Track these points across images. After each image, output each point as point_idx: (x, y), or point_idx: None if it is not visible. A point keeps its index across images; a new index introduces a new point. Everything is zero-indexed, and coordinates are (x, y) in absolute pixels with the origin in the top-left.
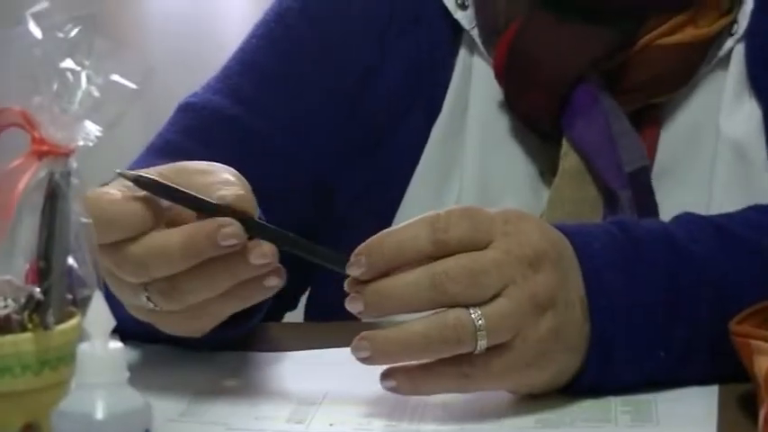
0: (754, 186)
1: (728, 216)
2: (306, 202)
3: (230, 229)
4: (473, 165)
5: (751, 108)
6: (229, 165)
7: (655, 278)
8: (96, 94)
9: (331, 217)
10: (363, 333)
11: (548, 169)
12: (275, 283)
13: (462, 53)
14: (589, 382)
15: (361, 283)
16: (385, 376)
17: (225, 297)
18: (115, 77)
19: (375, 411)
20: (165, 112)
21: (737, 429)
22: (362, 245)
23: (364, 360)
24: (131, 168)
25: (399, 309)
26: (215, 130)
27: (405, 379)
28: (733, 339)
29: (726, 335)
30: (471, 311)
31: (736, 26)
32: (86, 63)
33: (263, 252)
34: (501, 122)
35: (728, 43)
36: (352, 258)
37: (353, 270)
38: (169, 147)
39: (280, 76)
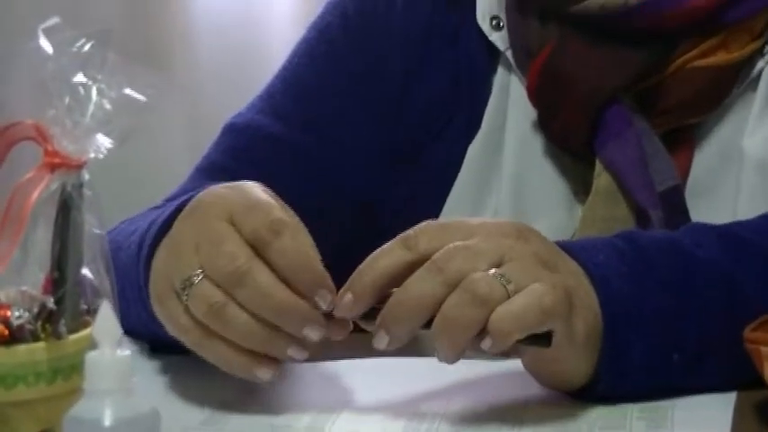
0: None
1: (736, 223)
2: (350, 217)
3: (316, 330)
4: (509, 182)
5: None
6: (274, 182)
7: (662, 283)
8: (108, 107)
9: (374, 230)
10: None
11: (581, 188)
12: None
13: (500, 72)
14: (604, 388)
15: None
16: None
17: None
18: (127, 91)
19: (394, 420)
20: (212, 128)
21: None
22: (344, 286)
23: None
24: (181, 189)
25: (417, 310)
26: (259, 150)
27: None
28: (746, 346)
29: (739, 340)
30: (486, 271)
31: (767, 47)
32: (99, 77)
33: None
34: (537, 142)
35: (759, 64)
36: (338, 300)
37: (343, 309)
38: (215, 168)
39: (321, 92)
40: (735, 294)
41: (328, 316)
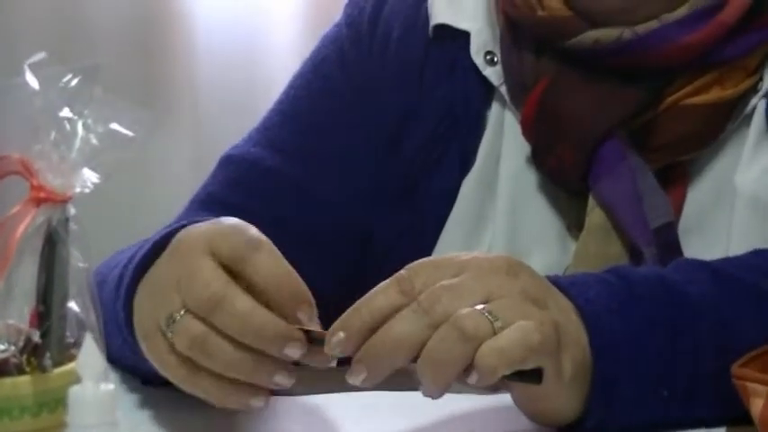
0: None
1: (726, 260)
2: (346, 249)
3: (297, 348)
4: (503, 217)
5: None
6: (269, 213)
7: (653, 319)
8: (95, 142)
9: (370, 262)
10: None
11: (575, 224)
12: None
13: (495, 107)
14: (593, 423)
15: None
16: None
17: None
18: (114, 126)
19: None
20: (212, 158)
21: None
22: (336, 322)
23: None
24: (177, 220)
25: (399, 350)
26: (256, 182)
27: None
28: (734, 382)
29: (729, 376)
30: (473, 308)
31: (761, 84)
32: (85, 112)
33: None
34: (531, 177)
35: (753, 101)
36: (329, 337)
37: (334, 346)
38: (211, 199)
39: (318, 125)
40: (725, 331)
41: (310, 342)
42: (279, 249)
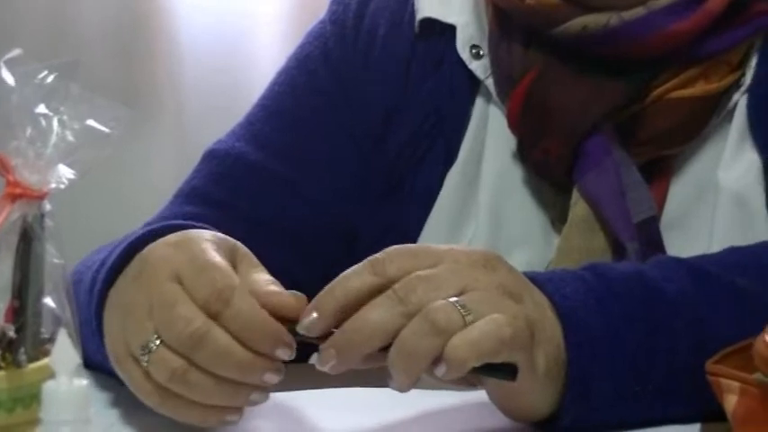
0: (755, 236)
1: (703, 257)
2: (330, 244)
3: (275, 375)
4: (486, 212)
5: (751, 157)
6: (254, 209)
7: (629, 316)
8: (71, 138)
9: (354, 257)
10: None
11: (559, 219)
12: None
13: (479, 101)
14: (569, 419)
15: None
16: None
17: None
18: (90, 123)
19: None
20: (195, 158)
21: None
22: (309, 304)
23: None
24: (161, 215)
25: (372, 337)
26: (239, 176)
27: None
28: (708, 378)
29: (704, 372)
30: (447, 300)
31: (743, 79)
32: (61, 109)
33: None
34: (515, 171)
35: (735, 96)
36: (302, 317)
37: (306, 323)
38: (195, 193)
39: (302, 121)
40: (700, 328)
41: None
42: (261, 244)
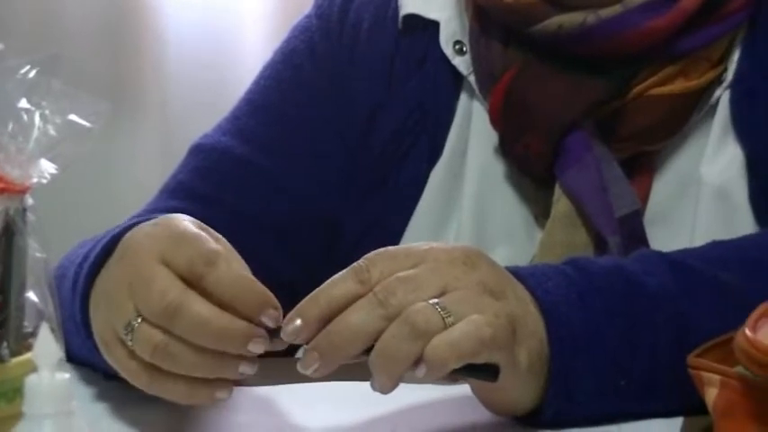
0: (738, 229)
1: (684, 251)
2: (315, 238)
3: (260, 343)
4: (470, 207)
5: (734, 151)
6: (239, 203)
7: (611, 310)
8: (53, 133)
9: (339, 251)
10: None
11: (542, 214)
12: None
13: (463, 97)
14: (551, 413)
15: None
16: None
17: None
18: (72, 117)
19: None
20: (181, 154)
21: None
22: (293, 310)
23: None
24: (147, 209)
25: (353, 340)
26: (224, 171)
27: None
28: (689, 372)
29: (686, 366)
30: (426, 302)
31: (725, 75)
32: (43, 103)
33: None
34: (498, 167)
35: (717, 92)
36: (285, 324)
37: (290, 330)
38: (180, 187)
39: (287, 116)
40: (682, 322)
41: (271, 332)
42: (246, 239)
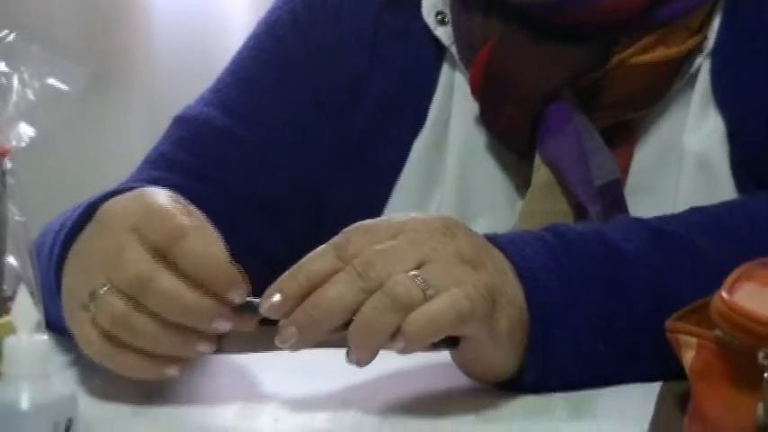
0: (719, 198)
1: (663, 218)
2: (297, 211)
3: (225, 321)
4: (452, 178)
5: (714, 121)
6: (220, 174)
7: (589, 275)
8: (31, 97)
9: (322, 224)
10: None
11: (524, 185)
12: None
13: (445, 68)
14: (532, 378)
15: None
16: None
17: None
18: (51, 81)
19: (320, 407)
20: (168, 119)
21: (672, 424)
22: (271, 286)
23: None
24: (130, 179)
25: (332, 314)
26: (206, 142)
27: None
28: (668, 337)
29: (664, 331)
30: (407, 274)
31: (705, 43)
32: (21, 68)
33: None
34: (480, 138)
35: (698, 60)
36: (263, 300)
37: (269, 305)
38: (162, 159)
39: (269, 87)
40: (661, 287)
41: (238, 309)
42: (228, 210)
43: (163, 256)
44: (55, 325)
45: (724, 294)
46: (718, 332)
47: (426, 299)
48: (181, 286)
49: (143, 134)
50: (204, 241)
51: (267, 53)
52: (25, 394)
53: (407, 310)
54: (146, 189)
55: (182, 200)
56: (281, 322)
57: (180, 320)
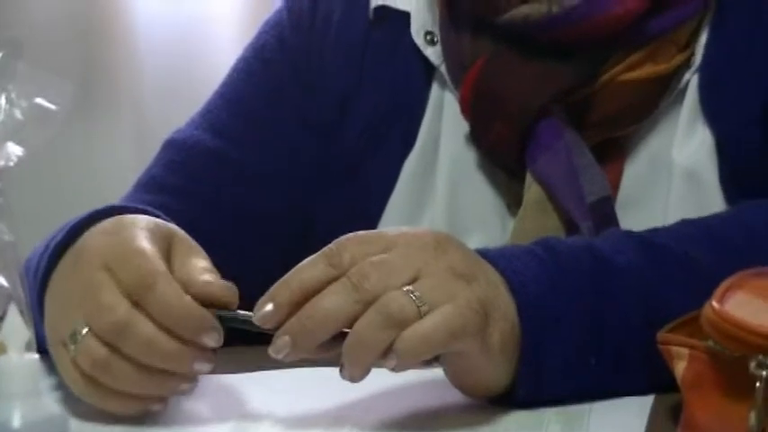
0: (709, 211)
1: (654, 230)
2: (288, 230)
3: (205, 362)
4: (443, 197)
5: (703, 135)
6: (212, 195)
7: (580, 289)
8: (19, 116)
9: (312, 242)
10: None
11: (515, 203)
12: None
13: (435, 87)
14: (524, 392)
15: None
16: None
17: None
18: (39, 101)
19: (313, 425)
20: (154, 142)
21: None
22: (264, 296)
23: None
24: (122, 202)
25: (326, 324)
26: (197, 164)
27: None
28: (660, 349)
29: (656, 343)
30: (401, 289)
31: (693, 59)
32: (9, 86)
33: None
34: (470, 157)
35: (686, 76)
36: (256, 309)
37: (261, 314)
38: (153, 182)
39: (258, 109)
40: (651, 299)
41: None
42: (220, 229)
43: (136, 302)
44: (43, 347)
45: (714, 304)
46: (710, 343)
47: (420, 315)
48: (157, 333)
49: (131, 150)
50: (173, 288)
51: (255, 76)
52: (17, 412)
53: (401, 327)
54: (126, 221)
55: (163, 225)
56: (276, 333)
57: (159, 366)
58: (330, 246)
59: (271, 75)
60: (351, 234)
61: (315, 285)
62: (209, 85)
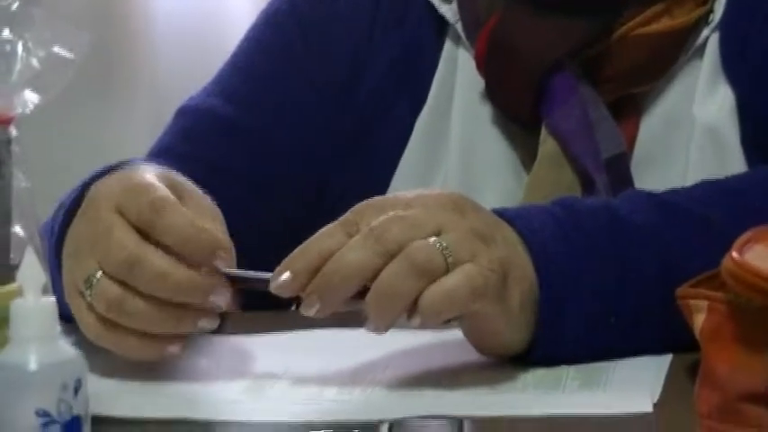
0: (729, 170)
1: (673, 191)
2: (298, 195)
3: (222, 294)
4: (457, 153)
5: (724, 94)
6: (223, 162)
7: (598, 249)
8: (36, 65)
9: (325, 207)
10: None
11: (529, 156)
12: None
13: (447, 45)
14: (543, 352)
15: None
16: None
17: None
18: (56, 49)
19: (328, 382)
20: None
21: (683, 394)
22: (281, 264)
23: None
24: None
25: (351, 278)
26: (209, 131)
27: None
28: (679, 305)
29: (674, 302)
30: (426, 240)
31: (712, 15)
32: (26, 35)
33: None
34: (484, 111)
35: (705, 32)
36: (274, 275)
37: (279, 283)
38: (165, 150)
39: (268, 73)
40: (669, 259)
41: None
42: (230, 195)
43: (145, 232)
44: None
45: (734, 254)
46: (730, 296)
47: (447, 266)
48: (170, 263)
49: (147, 131)
50: (181, 216)
51: (265, 41)
52: (33, 355)
53: (429, 277)
54: (134, 166)
55: (174, 174)
56: (305, 291)
57: (173, 298)
58: (347, 214)
59: (280, 39)
60: (368, 200)
61: (332, 253)
62: (224, 55)
